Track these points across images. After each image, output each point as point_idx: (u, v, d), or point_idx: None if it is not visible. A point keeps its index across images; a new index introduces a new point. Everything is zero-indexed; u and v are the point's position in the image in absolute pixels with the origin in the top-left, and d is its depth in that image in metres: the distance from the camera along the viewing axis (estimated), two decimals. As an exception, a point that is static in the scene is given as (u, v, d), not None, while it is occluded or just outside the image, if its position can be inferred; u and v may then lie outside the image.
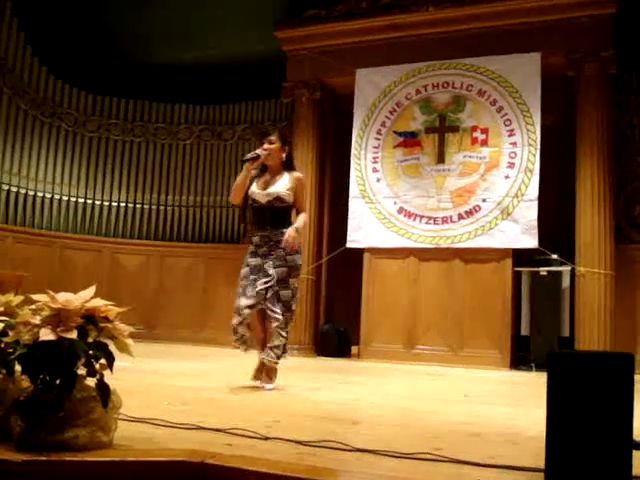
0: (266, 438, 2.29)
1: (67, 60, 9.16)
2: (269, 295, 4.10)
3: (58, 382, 1.95)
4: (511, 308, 7.14)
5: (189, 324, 8.95)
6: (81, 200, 9.26)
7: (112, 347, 2.05)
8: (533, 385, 5.48)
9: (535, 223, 7.00)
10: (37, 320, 1.97)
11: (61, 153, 9.16)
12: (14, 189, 8.46)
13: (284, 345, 4.18)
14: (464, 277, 7.37)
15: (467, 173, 7.43)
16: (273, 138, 4.33)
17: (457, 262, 7.41)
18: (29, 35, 8.74)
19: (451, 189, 7.46)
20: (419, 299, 7.51)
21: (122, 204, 9.51)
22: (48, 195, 8.89)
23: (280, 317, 4.10)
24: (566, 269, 7.02)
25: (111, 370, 2.01)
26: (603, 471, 1.72)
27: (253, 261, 4.24)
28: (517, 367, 7.03)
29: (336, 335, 8.03)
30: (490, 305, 7.17)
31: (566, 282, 7.07)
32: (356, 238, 7.78)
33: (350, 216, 7.85)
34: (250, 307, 4.11)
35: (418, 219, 7.54)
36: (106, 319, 2.05)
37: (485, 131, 7.45)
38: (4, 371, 2.07)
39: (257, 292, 4.10)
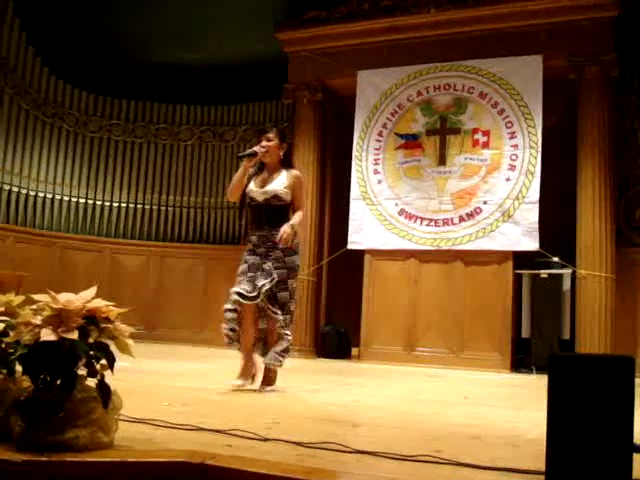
0: (266, 439, 2.29)
1: (69, 60, 9.17)
2: (269, 295, 4.06)
3: (59, 382, 1.95)
4: (512, 310, 7.14)
5: (189, 325, 8.96)
6: (82, 200, 9.27)
7: (113, 347, 2.05)
8: (533, 388, 5.48)
9: (536, 225, 6.99)
10: (38, 320, 1.97)
11: (62, 153, 9.17)
12: (15, 189, 8.46)
13: (288, 347, 4.17)
14: (465, 279, 7.36)
15: (468, 175, 7.43)
16: (271, 135, 4.29)
17: (458, 264, 7.41)
18: (31, 35, 8.75)
19: (452, 191, 7.46)
20: (419, 301, 7.51)
21: (123, 204, 9.52)
22: (49, 195, 8.89)
23: (280, 317, 4.09)
24: (567, 272, 7.02)
25: (112, 371, 2.01)
26: (603, 474, 1.72)
27: (251, 259, 4.20)
28: (517, 370, 7.03)
29: (336, 336, 8.04)
30: (491, 307, 7.17)
31: (567, 285, 7.06)
32: (357, 240, 7.78)
33: (351, 217, 7.85)
34: (240, 295, 4.02)
35: (419, 221, 7.54)
36: (107, 319, 2.05)
37: (486, 133, 7.45)
38: (5, 371, 2.07)
39: (255, 286, 4.05)
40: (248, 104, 9.61)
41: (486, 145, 7.44)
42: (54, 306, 1.97)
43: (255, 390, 4.08)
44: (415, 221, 7.56)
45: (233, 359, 4.22)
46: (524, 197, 7.12)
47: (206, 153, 9.70)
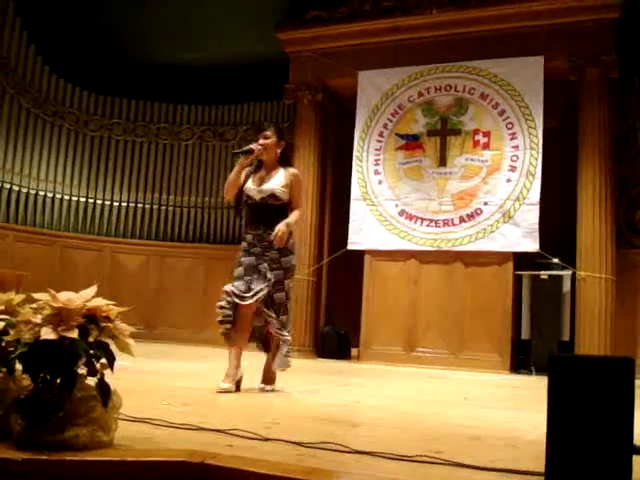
0: (266, 439, 2.29)
1: (69, 59, 9.18)
2: (266, 298, 4.01)
3: (59, 381, 1.95)
4: (511, 312, 7.14)
5: (189, 324, 8.96)
6: (82, 199, 9.27)
7: (113, 347, 2.05)
8: (533, 389, 5.48)
9: (536, 227, 7.00)
10: (38, 319, 1.97)
11: (63, 152, 9.17)
12: (15, 188, 8.47)
13: (289, 348, 4.16)
14: (465, 280, 7.37)
15: (469, 176, 7.43)
16: (268, 133, 4.19)
17: (458, 265, 7.41)
18: (32, 34, 8.76)
19: (452, 192, 7.46)
20: (419, 301, 7.51)
21: (123, 204, 9.52)
22: (49, 194, 8.90)
23: (275, 321, 4.05)
24: (567, 273, 7.02)
25: (112, 370, 2.01)
26: (603, 475, 1.72)
27: (247, 260, 4.12)
28: (517, 371, 7.03)
29: (336, 337, 8.04)
30: (491, 308, 7.17)
31: (567, 286, 7.06)
32: (357, 240, 7.78)
33: (351, 218, 7.85)
34: (236, 295, 3.96)
35: (419, 221, 7.54)
36: (107, 319, 2.05)
37: (487, 134, 7.46)
38: (5, 370, 2.07)
39: (251, 289, 3.99)
40: (249, 104, 9.62)
41: (487, 146, 7.44)
42: (54, 305, 1.97)
43: (255, 390, 4.08)
44: (415, 222, 7.56)
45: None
46: (524, 198, 7.12)
47: (206, 153, 9.71)
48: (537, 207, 7.04)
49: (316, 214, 8.18)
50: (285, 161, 4.32)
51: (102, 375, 2.00)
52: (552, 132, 7.43)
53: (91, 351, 1.98)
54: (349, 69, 8.07)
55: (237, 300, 3.99)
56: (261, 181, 4.17)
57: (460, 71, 7.65)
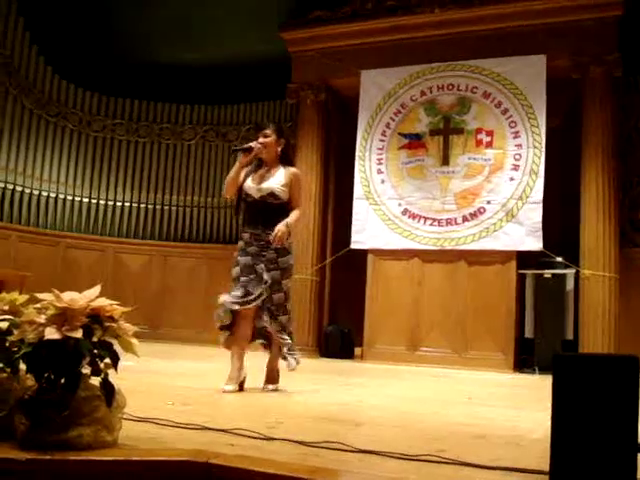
0: (269, 439, 2.29)
1: (72, 60, 9.19)
2: (264, 300, 3.99)
3: (63, 381, 1.95)
4: (515, 311, 7.14)
5: (192, 324, 8.95)
6: (85, 200, 9.28)
7: (117, 346, 2.06)
8: (536, 388, 5.47)
9: (539, 225, 6.99)
10: (42, 319, 1.97)
11: (66, 153, 9.18)
12: (19, 188, 8.48)
13: (292, 345, 4.16)
14: (468, 279, 7.36)
15: (471, 175, 7.42)
16: (268, 131, 4.15)
17: (461, 264, 7.40)
18: (34, 35, 8.77)
19: (455, 191, 7.45)
20: (423, 300, 7.51)
21: (126, 204, 9.53)
22: (52, 194, 8.91)
23: (273, 323, 4.04)
24: (570, 272, 7.01)
25: (116, 369, 2.01)
26: (608, 474, 1.71)
27: (243, 259, 4.06)
28: (521, 370, 7.02)
29: (340, 336, 8.03)
30: (494, 307, 7.16)
31: (570, 285, 7.05)
32: (360, 239, 7.78)
33: (354, 217, 7.84)
34: (233, 303, 3.96)
35: (422, 221, 7.54)
36: (111, 318, 2.05)
37: (490, 133, 7.44)
38: (9, 370, 2.07)
39: (248, 292, 3.96)
40: (251, 104, 9.62)
41: (490, 145, 7.43)
42: (58, 305, 1.97)
43: (258, 389, 4.08)
44: (418, 221, 7.55)
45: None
46: (528, 197, 7.11)
47: (209, 153, 9.72)
48: (540, 206, 7.03)
49: (319, 214, 8.18)
50: (286, 160, 4.26)
51: (106, 375, 2.01)
52: (555, 131, 7.42)
53: (95, 351, 1.98)
54: (352, 68, 8.07)
55: (235, 307, 3.96)
56: (261, 179, 4.12)
57: (463, 70, 7.65)
